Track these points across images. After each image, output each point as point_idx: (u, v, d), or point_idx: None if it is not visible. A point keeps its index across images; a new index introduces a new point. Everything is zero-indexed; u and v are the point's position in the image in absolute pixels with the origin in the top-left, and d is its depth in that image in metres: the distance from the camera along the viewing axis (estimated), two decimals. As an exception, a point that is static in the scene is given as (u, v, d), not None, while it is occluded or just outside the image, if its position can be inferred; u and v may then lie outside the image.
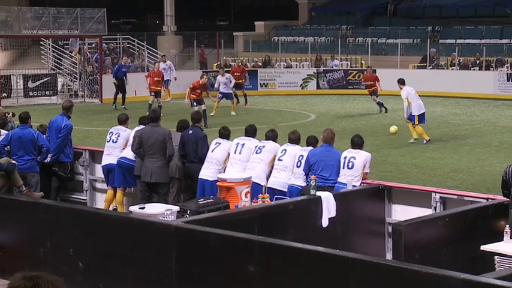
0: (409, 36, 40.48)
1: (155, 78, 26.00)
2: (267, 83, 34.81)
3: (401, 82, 20.43)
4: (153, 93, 25.65)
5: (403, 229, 8.32)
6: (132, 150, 11.84)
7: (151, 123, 11.86)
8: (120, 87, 28.18)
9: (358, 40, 41.60)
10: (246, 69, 31.34)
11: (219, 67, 30.47)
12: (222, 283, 7.67)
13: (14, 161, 10.95)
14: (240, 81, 28.78)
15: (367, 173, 10.63)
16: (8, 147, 11.87)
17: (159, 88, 25.86)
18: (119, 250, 8.50)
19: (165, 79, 28.67)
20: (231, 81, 26.60)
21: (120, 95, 28.17)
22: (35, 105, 28.64)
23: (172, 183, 11.86)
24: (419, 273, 6.37)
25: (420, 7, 44.09)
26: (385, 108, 26.55)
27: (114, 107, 27.78)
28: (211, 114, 24.61)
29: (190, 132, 11.90)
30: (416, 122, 19.50)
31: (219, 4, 59.86)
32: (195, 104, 22.79)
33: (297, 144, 11.22)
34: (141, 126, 12.37)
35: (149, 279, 8.22)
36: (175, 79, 29.81)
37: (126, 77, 28.56)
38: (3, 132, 12.63)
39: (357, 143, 10.80)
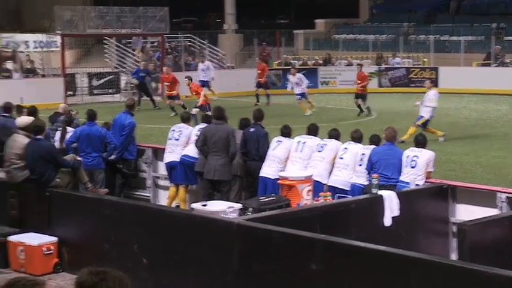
0: (473, 33, 39.79)
1: (165, 83, 26.56)
2: (327, 81, 34.66)
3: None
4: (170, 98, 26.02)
5: (469, 229, 8.21)
6: (196, 147, 11.92)
7: (216, 120, 11.92)
8: (141, 90, 28.08)
9: (420, 38, 41.09)
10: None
11: (292, 66, 30.51)
12: (283, 281, 7.68)
13: (79, 158, 11.15)
14: (173, 92, 26.55)
15: (430, 172, 10.51)
16: (75, 144, 12.11)
17: (172, 92, 26.01)
18: (181, 247, 8.59)
19: (202, 79, 28.85)
20: (302, 81, 26.55)
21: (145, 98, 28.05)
22: (98, 103, 29.09)
23: (234, 181, 11.90)
24: (486, 274, 6.27)
25: (484, 3, 43.29)
26: (366, 111, 25.46)
27: (157, 107, 27.79)
28: (308, 114, 24.42)
29: (252, 130, 11.94)
30: (419, 123, 19.19)
31: (280, 2, 59.84)
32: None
33: (359, 143, 11.16)
34: (204, 124, 12.46)
35: (211, 276, 8.28)
36: (213, 79, 29.66)
37: (148, 80, 28.43)
38: (70, 129, 12.87)
39: (421, 142, 10.71)
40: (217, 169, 11.53)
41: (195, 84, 23.78)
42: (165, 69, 27.51)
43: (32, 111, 13.23)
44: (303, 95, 26.34)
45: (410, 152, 10.55)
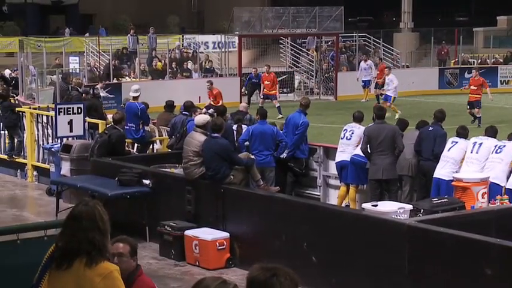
0: None
1: (265, 82, 26.36)
2: (508, 80, 33.25)
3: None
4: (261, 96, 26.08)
5: None
6: (361, 149, 11.81)
7: (378, 120, 11.76)
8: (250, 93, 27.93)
9: None
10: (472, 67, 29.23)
11: (388, 67, 29.39)
12: (455, 286, 7.45)
13: (253, 156, 11.37)
14: (273, 91, 26.14)
15: None
16: (247, 142, 12.36)
17: (271, 92, 26.11)
18: (350, 246, 8.56)
19: (364, 79, 28.98)
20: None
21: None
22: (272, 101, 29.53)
23: (405, 181, 11.71)
24: None
25: None
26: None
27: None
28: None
29: (431, 129, 11.74)
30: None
31: (459, -1, 58.16)
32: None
33: (541, 145, 10.63)
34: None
35: (380, 276, 8.19)
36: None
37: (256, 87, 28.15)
38: (244, 127, 13.17)
39: None
40: (386, 168, 11.36)
41: (216, 90, 22.81)
42: (265, 68, 27.45)
43: (221, 110, 13.60)
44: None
45: None
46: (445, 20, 54.20)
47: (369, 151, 11.53)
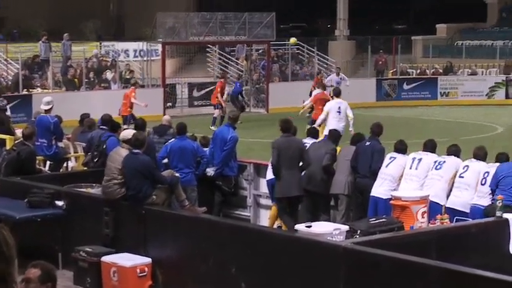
0: None
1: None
2: (448, 92, 34.04)
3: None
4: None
5: None
6: (271, 163, 11.95)
7: (284, 133, 11.88)
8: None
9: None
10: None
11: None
12: (394, 311, 7.55)
13: (177, 174, 11.32)
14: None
15: None
16: (166, 159, 12.27)
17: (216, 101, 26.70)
18: (283, 270, 8.59)
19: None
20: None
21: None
22: (199, 115, 29.56)
23: (341, 200, 11.86)
24: None
25: None
26: None
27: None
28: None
29: (368, 143, 11.90)
30: None
31: (397, 7, 59.22)
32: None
33: (483, 161, 10.89)
34: (309, 139, 12.49)
35: (315, 303, 8.23)
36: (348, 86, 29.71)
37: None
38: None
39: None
40: (297, 184, 11.60)
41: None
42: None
43: (140, 124, 13.50)
44: None
45: (541, 170, 10.21)
46: (382, 28, 55.13)
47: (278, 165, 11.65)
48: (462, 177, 10.79)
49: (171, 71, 34.47)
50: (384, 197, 11.10)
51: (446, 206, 10.70)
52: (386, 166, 11.44)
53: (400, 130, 23.41)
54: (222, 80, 27.60)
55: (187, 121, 15.73)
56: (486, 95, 33.52)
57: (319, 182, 11.96)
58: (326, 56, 36.69)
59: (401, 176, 11.31)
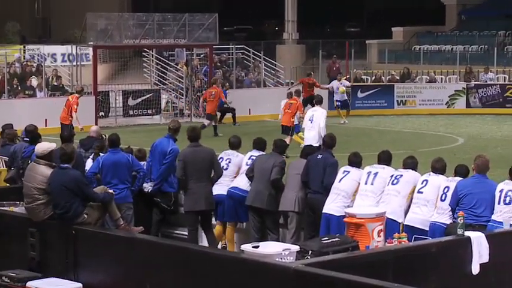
0: None
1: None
2: (405, 101, 34.45)
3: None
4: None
5: None
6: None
7: (192, 142, 12.30)
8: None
9: (520, 48, 40.64)
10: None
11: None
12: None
13: (111, 191, 11.25)
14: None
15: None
16: (99, 175, 12.19)
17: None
18: (228, 295, 8.58)
19: (340, 99, 31.36)
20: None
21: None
22: (135, 125, 29.42)
23: (291, 218, 11.90)
24: None
25: None
26: None
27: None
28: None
29: (320, 156, 11.98)
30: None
31: (350, 8, 59.77)
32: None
33: (442, 175, 11.04)
34: (256, 151, 12.54)
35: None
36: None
37: None
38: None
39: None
40: (207, 197, 12.02)
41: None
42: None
43: (66, 136, 13.38)
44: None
45: (504, 186, 10.38)
46: (334, 31, 55.71)
47: (184, 178, 12.07)
48: (421, 192, 10.91)
49: (103, 77, 34.32)
50: (337, 214, 11.17)
51: (404, 223, 10.81)
52: (340, 181, 11.52)
53: (354, 141, 23.66)
54: (214, 85, 27.89)
55: (121, 132, 15.66)
56: (446, 103, 34.01)
57: (267, 198, 12.01)
58: (274, 61, 36.86)
59: (356, 191, 11.40)
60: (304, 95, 28.60)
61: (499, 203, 10.32)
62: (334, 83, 31.94)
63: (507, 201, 10.25)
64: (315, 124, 19.97)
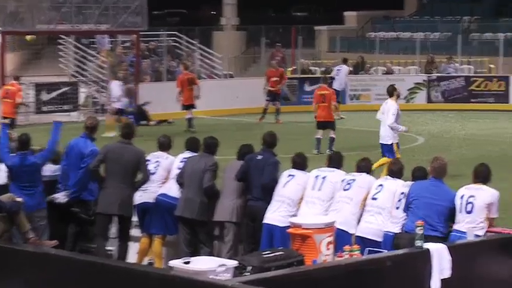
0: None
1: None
2: (359, 95, 34.75)
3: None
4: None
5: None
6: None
7: (123, 138, 12.36)
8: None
9: (486, 36, 41.21)
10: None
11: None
12: None
13: (19, 199, 11.13)
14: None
15: (493, 218, 10.45)
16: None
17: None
18: (155, 319, 8.55)
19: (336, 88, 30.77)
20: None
21: None
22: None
23: (227, 229, 11.89)
24: None
25: None
26: None
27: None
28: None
29: (260, 157, 11.97)
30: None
31: (296, -11, 60.11)
32: None
33: (399, 179, 11.13)
34: (188, 153, 12.49)
35: None
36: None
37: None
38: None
39: (481, 175, 10.63)
40: (124, 201, 12.05)
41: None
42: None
43: None
44: None
45: (465, 191, 10.49)
46: (279, 16, 55.92)
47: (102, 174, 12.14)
48: (375, 199, 10.99)
49: (13, 67, 33.95)
50: (281, 225, 11.19)
51: (356, 234, 10.88)
52: (284, 186, 11.55)
53: (300, 141, 23.71)
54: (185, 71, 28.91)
55: (33, 131, 15.50)
56: (404, 98, 34.28)
57: (198, 206, 11.96)
58: (210, 50, 36.86)
59: (302, 198, 11.43)
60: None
61: (460, 212, 10.43)
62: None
63: (468, 209, 10.36)
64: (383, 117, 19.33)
